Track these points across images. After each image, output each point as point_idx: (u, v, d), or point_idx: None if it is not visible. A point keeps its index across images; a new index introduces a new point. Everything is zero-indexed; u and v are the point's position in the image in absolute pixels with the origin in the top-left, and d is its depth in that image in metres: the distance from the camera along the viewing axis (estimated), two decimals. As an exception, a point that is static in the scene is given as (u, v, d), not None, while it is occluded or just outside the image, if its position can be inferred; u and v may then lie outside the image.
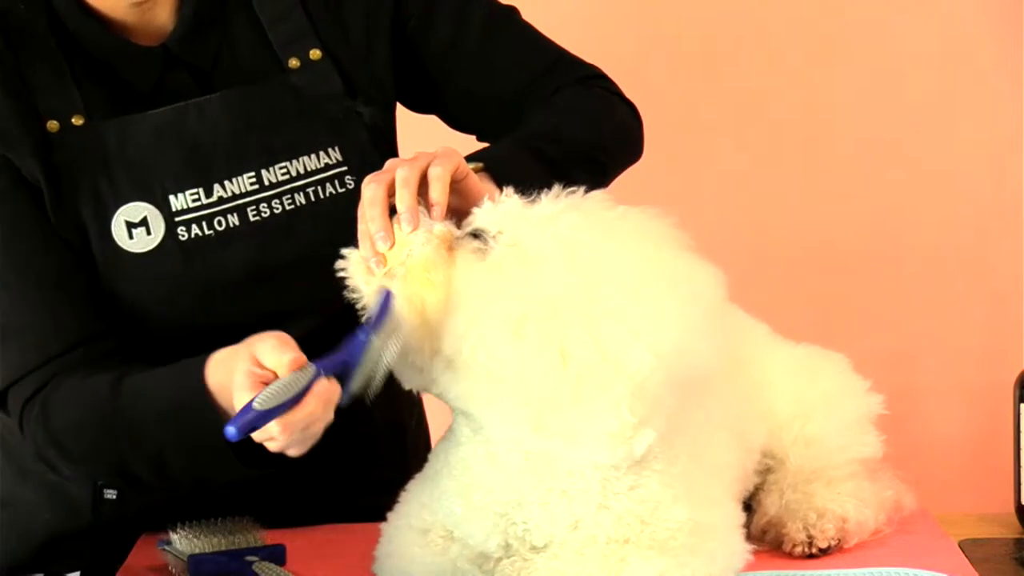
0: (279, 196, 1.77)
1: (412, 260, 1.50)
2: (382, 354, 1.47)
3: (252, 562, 1.64)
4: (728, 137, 2.87)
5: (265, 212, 1.76)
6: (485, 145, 1.76)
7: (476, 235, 1.52)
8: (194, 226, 1.74)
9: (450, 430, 1.59)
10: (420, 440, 2.01)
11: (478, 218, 1.52)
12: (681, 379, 1.46)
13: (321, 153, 1.79)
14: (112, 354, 1.72)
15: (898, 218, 2.89)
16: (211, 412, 1.57)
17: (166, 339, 1.75)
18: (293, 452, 1.50)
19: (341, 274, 1.55)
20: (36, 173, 1.71)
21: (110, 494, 1.82)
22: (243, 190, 1.76)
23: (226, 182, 1.75)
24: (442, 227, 1.52)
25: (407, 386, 1.54)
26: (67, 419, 1.67)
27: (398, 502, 1.63)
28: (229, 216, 1.75)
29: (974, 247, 2.89)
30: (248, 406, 1.44)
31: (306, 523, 1.82)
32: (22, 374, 1.70)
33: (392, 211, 1.53)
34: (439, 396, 1.53)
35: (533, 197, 1.52)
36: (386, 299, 1.48)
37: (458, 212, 1.55)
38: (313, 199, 1.78)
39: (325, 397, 1.46)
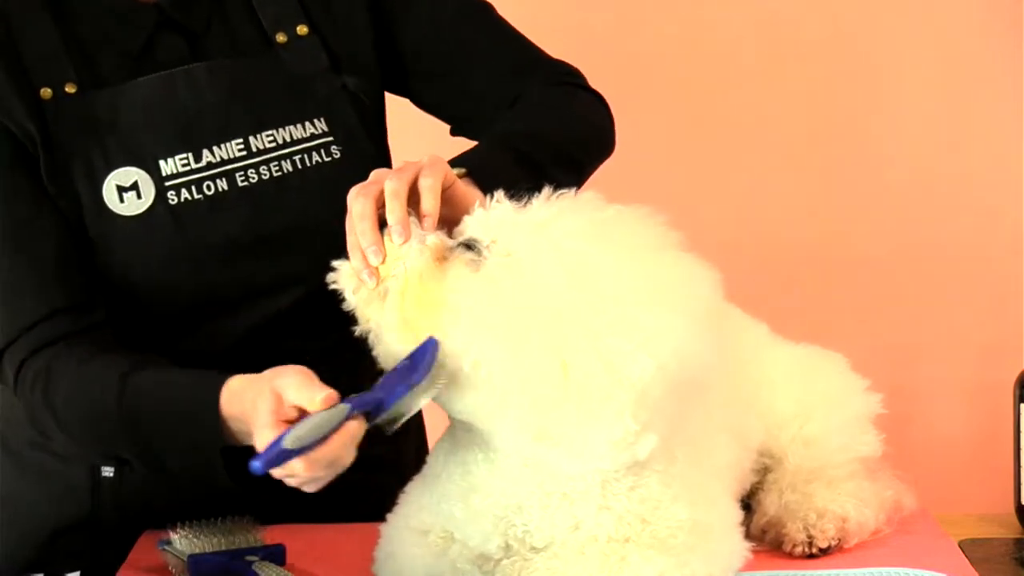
0: (267, 163, 1.80)
1: (407, 273, 1.50)
2: (416, 401, 1.47)
3: (252, 562, 1.64)
4: (727, 136, 2.87)
5: (253, 178, 1.79)
6: (465, 149, 1.77)
7: (469, 245, 1.51)
8: (184, 190, 1.77)
9: (448, 432, 1.59)
10: (412, 420, 2.02)
11: (470, 227, 1.51)
12: (682, 384, 1.46)
13: (307, 123, 1.82)
14: (105, 325, 1.73)
15: (897, 217, 2.89)
16: (219, 439, 1.59)
17: (161, 309, 1.77)
18: (308, 489, 1.50)
19: (333, 287, 1.55)
20: (34, 138, 1.73)
21: (107, 471, 1.83)
22: (231, 155, 1.79)
23: (215, 148, 1.78)
24: (435, 238, 1.51)
25: None
26: (69, 399, 1.68)
27: (397, 503, 1.63)
28: (218, 181, 1.78)
29: (974, 246, 2.89)
30: (277, 442, 1.43)
31: (298, 503, 1.80)
32: (15, 336, 1.71)
33: (382, 223, 1.53)
34: (442, 407, 1.52)
35: (524, 202, 1.51)
36: (431, 347, 1.46)
37: (446, 220, 1.55)
38: (300, 167, 1.80)
39: (352, 437, 1.46)
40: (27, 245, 1.73)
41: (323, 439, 1.44)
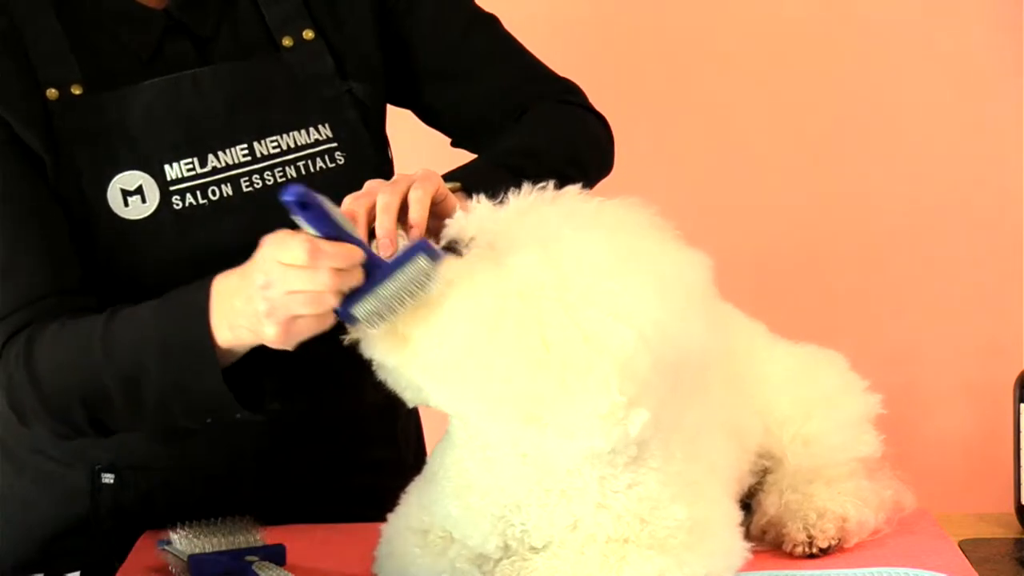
0: (271, 168, 1.80)
1: None
2: (390, 292, 1.47)
3: (252, 562, 1.64)
4: (726, 136, 2.87)
5: (258, 183, 1.80)
6: (461, 163, 1.78)
7: (451, 245, 1.52)
8: (188, 195, 1.77)
9: (447, 433, 1.59)
10: (411, 423, 2.03)
11: (450, 228, 1.53)
12: (669, 359, 1.45)
13: (311, 129, 1.83)
14: (94, 311, 1.72)
15: (898, 217, 2.89)
16: (202, 322, 1.58)
17: None
18: (276, 337, 1.51)
19: None
20: (34, 140, 1.74)
21: (107, 478, 1.83)
22: (236, 161, 1.79)
23: (219, 153, 1.79)
24: None
25: (409, 404, 1.55)
26: (51, 351, 1.67)
27: (398, 503, 1.63)
28: (223, 186, 1.79)
29: (974, 246, 2.89)
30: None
31: (299, 503, 1.84)
32: (3, 315, 1.71)
33: (374, 235, 1.54)
34: (437, 407, 1.53)
35: (501, 200, 1.53)
36: (419, 247, 1.49)
37: (438, 233, 1.56)
38: (304, 173, 1.81)
39: (349, 257, 1.46)
40: (21, 229, 1.73)
41: (335, 235, 1.46)
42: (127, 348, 1.63)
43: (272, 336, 1.52)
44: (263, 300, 1.50)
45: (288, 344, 1.53)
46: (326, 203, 1.48)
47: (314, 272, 1.47)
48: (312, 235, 1.47)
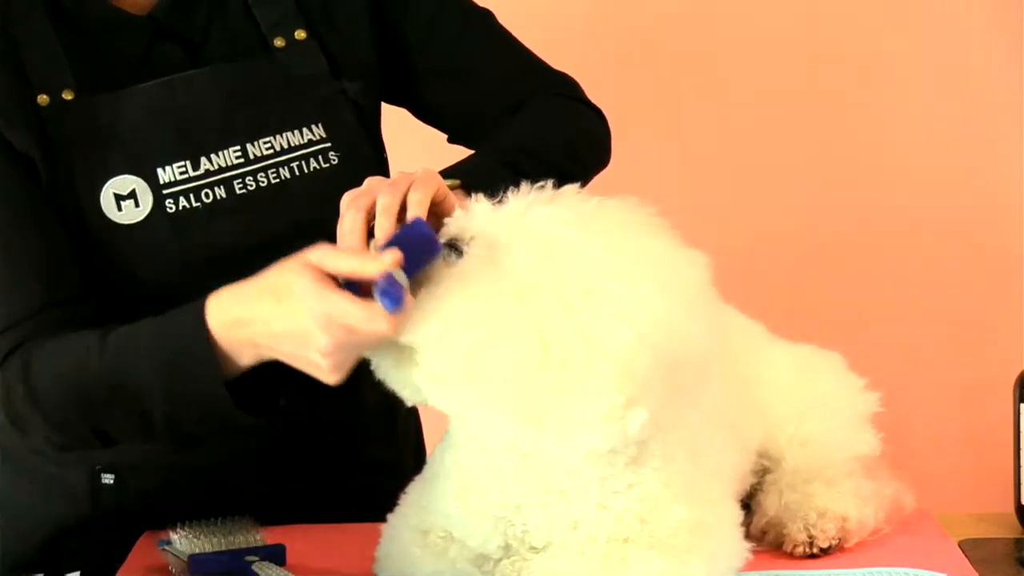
0: (264, 170, 1.80)
1: None
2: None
3: (252, 562, 1.64)
4: (725, 135, 2.87)
5: (251, 185, 1.79)
6: (460, 159, 1.78)
7: (451, 245, 1.52)
8: (182, 198, 1.77)
9: (447, 433, 1.59)
10: (411, 424, 2.03)
11: (450, 228, 1.53)
12: (670, 359, 1.45)
13: (304, 129, 1.82)
14: (95, 319, 1.72)
15: (897, 216, 2.89)
16: (206, 347, 1.57)
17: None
18: (335, 381, 1.51)
19: None
20: (29, 147, 1.73)
21: (107, 479, 1.83)
22: (229, 163, 1.79)
23: (212, 155, 1.79)
24: None
25: (408, 403, 1.54)
26: (49, 367, 1.66)
27: (398, 503, 1.63)
28: (216, 189, 1.78)
29: (974, 246, 2.89)
30: (390, 276, 1.45)
31: (299, 503, 1.85)
32: (2, 328, 1.70)
33: (370, 232, 1.54)
34: (435, 406, 1.53)
35: (500, 199, 1.53)
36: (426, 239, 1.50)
37: (437, 232, 1.55)
38: (298, 173, 1.81)
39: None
40: (18, 239, 1.73)
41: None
42: (127, 369, 1.62)
43: (332, 382, 1.53)
44: (329, 358, 1.50)
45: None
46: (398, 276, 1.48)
47: (393, 325, 1.47)
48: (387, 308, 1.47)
